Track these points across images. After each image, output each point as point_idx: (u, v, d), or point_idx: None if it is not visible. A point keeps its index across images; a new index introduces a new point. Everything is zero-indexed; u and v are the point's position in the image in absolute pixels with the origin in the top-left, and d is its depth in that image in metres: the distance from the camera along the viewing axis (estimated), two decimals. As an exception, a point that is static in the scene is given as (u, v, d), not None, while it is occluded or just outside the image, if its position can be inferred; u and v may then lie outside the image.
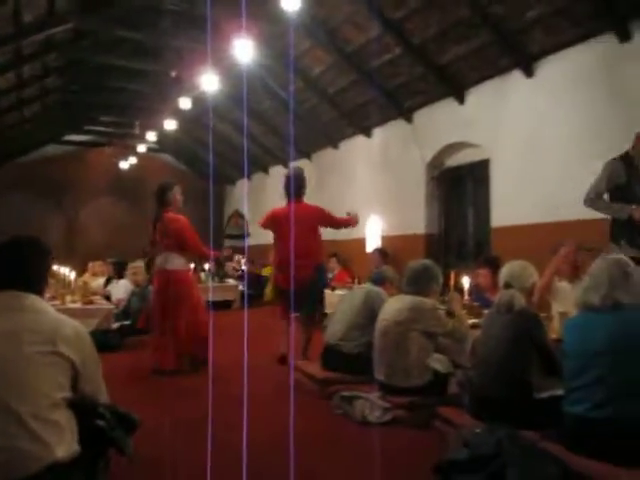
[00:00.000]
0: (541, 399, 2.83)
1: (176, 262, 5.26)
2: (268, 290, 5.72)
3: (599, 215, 5.25)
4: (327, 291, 4.41)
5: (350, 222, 5.65)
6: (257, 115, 10.65)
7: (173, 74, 9.56)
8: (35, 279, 2.01)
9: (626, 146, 4.29)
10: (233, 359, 5.38)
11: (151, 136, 11.49)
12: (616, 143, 5.23)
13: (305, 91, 9.10)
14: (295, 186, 5.45)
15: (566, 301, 3.88)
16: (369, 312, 4.33)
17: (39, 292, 2.02)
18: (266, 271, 5.54)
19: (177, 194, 5.41)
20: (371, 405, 3.61)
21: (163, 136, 11.94)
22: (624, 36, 5.17)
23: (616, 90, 5.28)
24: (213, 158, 14.11)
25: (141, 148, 12.64)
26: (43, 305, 1.98)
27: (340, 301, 4.79)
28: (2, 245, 2.03)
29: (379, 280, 4.67)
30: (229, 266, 12.43)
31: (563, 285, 4.35)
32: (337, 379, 4.20)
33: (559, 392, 2.69)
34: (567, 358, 2.60)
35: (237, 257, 12.71)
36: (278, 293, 5.44)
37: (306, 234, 5.17)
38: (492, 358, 3.01)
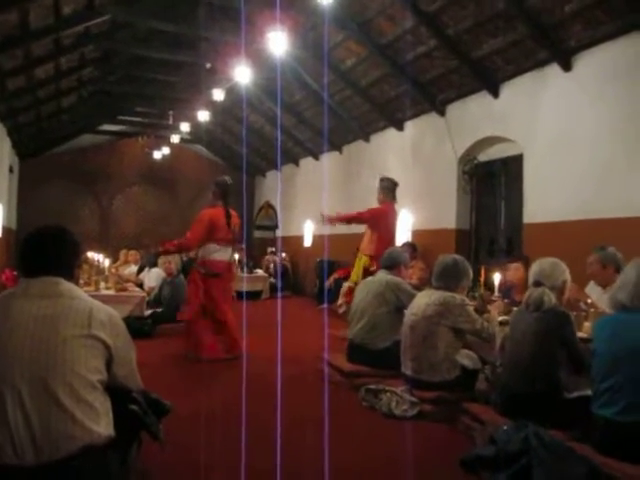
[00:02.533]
0: (570, 398, 2.81)
1: (233, 254, 5.59)
2: (356, 273, 6.33)
3: (636, 213, 5.16)
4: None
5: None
6: (289, 107, 10.68)
7: (207, 66, 9.66)
8: (66, 266, 2.07)
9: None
10: (265, 348, 5.47)
11: (184, 127, 11.63)
12: (655, 140, 5.11)
13: (337, 83, 9.08)
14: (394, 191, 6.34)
15: (599, 303, 3.84)
16: (391, 305, 4.33)
17: (71, 278, 2.08)
18: (365, 260, 6.18)
19: None
20: (398, 399, 3.63)
21: (196, 127, 12.07)
22: (666, 30, 5.03)
23: (656, 85, 5.14)
24: (245, 150, 14.22)
25: (174, 139, 12.80)
26: (78, 291, 2.05)
27: (359, 292, 4.68)
28: (31, 234, 2.11)
29: (392, 265, 4.62)
30: (268, 260, 12.51)
31: (593, 286, 4.29)
32: (364, 372, 4.23)
33: (588, 392, 2.67)
34: (596, 359, 2.58)
35: (267, 257, 12.74)
36: None
37: None
38: (520, 355, 3.00)
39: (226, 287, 5.46)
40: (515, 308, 4.02)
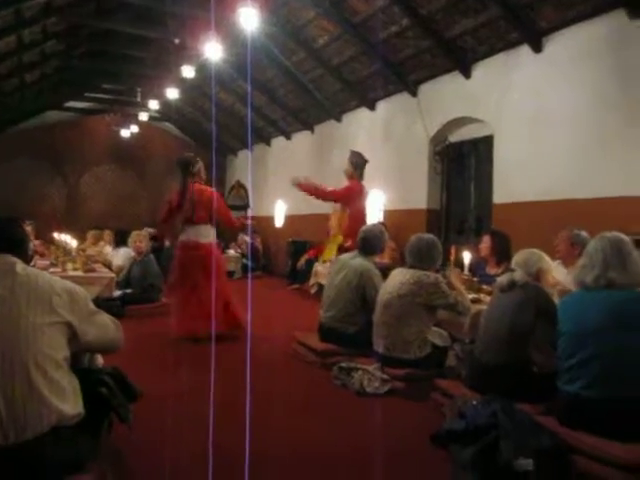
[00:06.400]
0: (538, 373, 2.88)
1: (211, 234, 5.38)
2: (330, 250, 6.52)
3: (602, 194, 5.28)
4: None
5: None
6: (260, 85, 10.54)
7: (176, 41, 9.44)
8: (21, 248, 2.08)
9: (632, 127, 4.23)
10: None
11: (153, 104, 11.39)
12: (623, 122, 5.21)
13: (309, 61, 8.99)
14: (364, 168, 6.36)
15: (561, 281, 3.93)
16: (360, 294, 4.33)
17: (25, 260, 2.08)
18: (339, 239, 6.28)
19: (201, 167, 5.56)
20: (369, 376, 3.67)
21: (165, 105, 11.84)
22: (634, 13, 5.08)
23: (625, 68, 5.21)
24: (215, 128, 14.01)
25: (143, 116, 12.54)
26: (34, 270, 2.05)
27: (334, 273, 4.59)
28: None
29: (371, 251, 4.52)
30: (241, 239, 12.45)
31: (558, 266, 4.38)
32: (336, 351, 4.26)
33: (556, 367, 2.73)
34: (562, 337, 2.64)
35: (241, 236, 12.68)
36: None
37: None
38: (496, 328, 3.06)
39: (205, 266, 5.22)
40: (485, 286, 4.10)
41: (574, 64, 5.70)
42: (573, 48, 5.72)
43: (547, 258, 3.24)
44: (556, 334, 2.70)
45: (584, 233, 4.16)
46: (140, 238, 7.18)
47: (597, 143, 5.44)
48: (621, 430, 2.34)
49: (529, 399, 2.76)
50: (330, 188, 6.46)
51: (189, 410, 3.21)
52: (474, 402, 2.67)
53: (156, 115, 13.29)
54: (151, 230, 9.17)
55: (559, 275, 4.18)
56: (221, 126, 13.83)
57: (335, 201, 6.40)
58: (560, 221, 4.99)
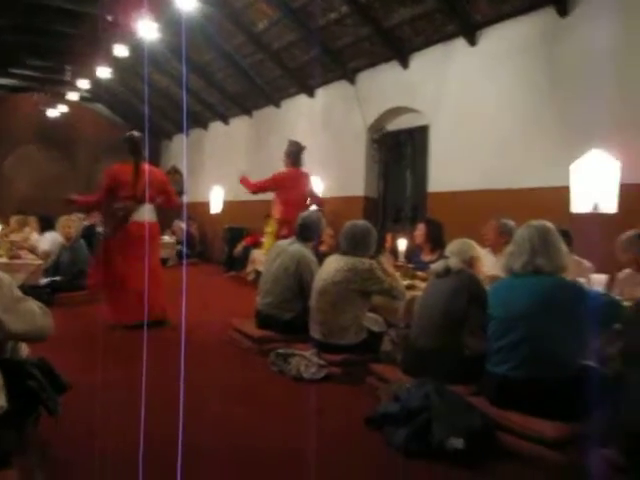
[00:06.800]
0: (470, 356, 2.98)
1: (153, 215, 5.27)
2: (268, 241, 6.36)
3: (533, 184, 5.50)
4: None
5: None
6: (197, 68, 10.28)
7: (109, 18, 9.04)
8: None
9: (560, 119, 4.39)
10: (173, 315, 5.33)
11: (83, 84, 10.91)
12: (553, 115, 5.43)
13: (248, 46, 8.84)
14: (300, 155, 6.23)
15: (490, 269, 4.07)
16: (299, 281, 4.33)
17: None
18: (270, 225, 6.21)
19: None
20: (306, 362, 3.69)
21: (97, 85, 11.35)
22: (563, 11, 5.29)
23: (554, 62, 5.42)
24: (149, 111, 13.58)
25: (73, 96, 11.99)
26: None
27: (270, 259, 4.58)
28: None
29: (309, 237, 4.51)
30: (177, 225, 12.15)
31: (487, 254, 4.54)
32: (273, 338, 4.25)
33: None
34: (492, 321, 2.75)
35: (176, 222, 12.39)
36: None
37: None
38: (431, 314, 3.14)
39: (141, 250, 5.00)
40: (419, 272, 4.20)
41: (507, 58, 5.89)
42: (506, 42, 5.89)
43: (478, 247, 3.37)
44: (487, 318, 2.80)
45: (511, 222, 4.33)
46: (69, 223, 6.88)
47: (528, 135, 5.64)
48: (548, 409, 2.46)
49: (461, 381, 2.85)
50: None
51: (120, 400, 3.12)
52: (408, 385, 2.73)
53: (87, 95, 12.73)
54: (81, 215, 8.82)
55: (488, 262, 4.34)
56: (155, 109, 13.41)
57: (269, 190, 6.33)
58: (490, 210, 5.16)
